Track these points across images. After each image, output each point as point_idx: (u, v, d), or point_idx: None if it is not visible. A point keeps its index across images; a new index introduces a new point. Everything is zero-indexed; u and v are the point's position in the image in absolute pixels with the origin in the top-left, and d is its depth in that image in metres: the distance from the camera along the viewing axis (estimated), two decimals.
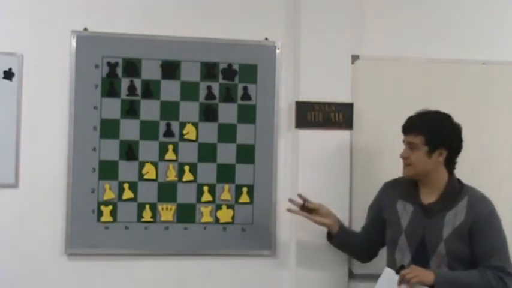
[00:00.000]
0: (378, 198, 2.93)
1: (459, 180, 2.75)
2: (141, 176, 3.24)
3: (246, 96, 3.33)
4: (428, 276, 2.52)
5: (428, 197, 2.71)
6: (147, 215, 3.24)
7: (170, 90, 3.27)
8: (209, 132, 3.29)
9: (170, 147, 3.26)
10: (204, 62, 3.30)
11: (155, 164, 3.25)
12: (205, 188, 3.28)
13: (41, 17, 3.21)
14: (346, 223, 3.29)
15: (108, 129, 3.22)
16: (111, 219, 3.21)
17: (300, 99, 3.28)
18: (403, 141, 2.74)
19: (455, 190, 2.69)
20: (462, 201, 2.67)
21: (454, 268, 2.61)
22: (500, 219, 2.71)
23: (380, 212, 2.87)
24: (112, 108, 3.22)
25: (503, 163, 3.46)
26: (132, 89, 3.24)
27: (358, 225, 3.24)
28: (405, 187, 2.78)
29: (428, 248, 2.63)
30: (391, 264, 2.74)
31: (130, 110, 3.24)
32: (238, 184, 3.31)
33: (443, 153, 2.66)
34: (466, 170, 3.31)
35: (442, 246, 2.60)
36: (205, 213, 3.28)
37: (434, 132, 2.65)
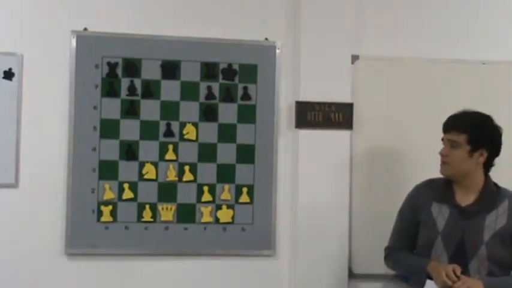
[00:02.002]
0: (411, 201, 2.76)
1: (495, 183, 2.70)
2: (141, 176, 3.24)
3: (246, 96, 3.33)
4: (477, 286, 2.46)
5: (465, 199, 2.62)
6: (147, 215, 3.24)
7: (170, 90, 3.27)
8: (209, 132, 3.29)
9: (170, 147, 3.26)
10: (204, 62, 3.30)
11: (155, 164, 3.25)
12: (205, 188, 3.28)
13: (41, 17, 3.21)
14: (346, 223, 3.30)
15: (108, 129, 3.22)
16: (111, 219, 3.21)
17: (300, 99, 3.28)
18: (442, 139, 2.65)
19: (493, 192, 2.63)
20: (502, 204, 2.61)
21: (493, 272, 2.56)
22: None
23: (414, 215, 2.71)
24: (112, 108, 3.22)
25: (503, 163, 3.45)
26: (132, 89, 3.24)
27: (358, 225, 3.24)
28: (439, 188, 2.68)
29: (467, 250, 2.56)
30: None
31: (130, 110, 3.24)
32: (238, 184, 3.31)
33: (484, 154, 2.60)
34: None
35: (483, 249, 2.54)
36: (205, 213, 3.28)
37: (479, 132, 2.58)
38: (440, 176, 2.67)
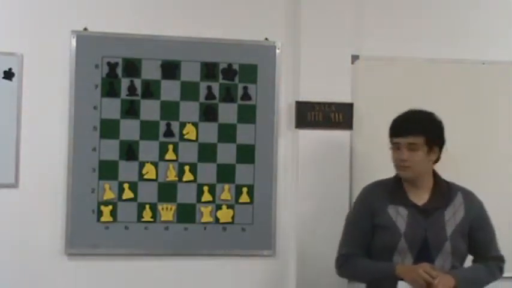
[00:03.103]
0: (365, 206, 2.69)
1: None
2: (141, 176, 3.24)
3: (246, 96, 3.33)
4: (451, 281, 2.49)
5: (419, 198, 2.64)
6: (147, 215, 3.24)
7: (170, 90, 3.27)
8: (209, 132, 3.29)
9: (170, 147, 3.26)
10: (204, 62, 3.30)
11: (155, 164, 3.25)
12: (205, 188, 3.28)
13: (41, 17, 3.21)
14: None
15: (108, 129, 3.22)
16: (111, 219, 3.21)
17: (300, 99, 3.28)
18: (393, 143, 2.61)
19: (445, 188, 2.67)
20: (457, 197, 2.65)
21: (455, 266, 2.60)
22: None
23: (371, 219, 2.66)
24: (112, 108, 3.22)
25: (504, 163, 3.46)
26: (132, 89, 3.24)
27: None
28: (390, 190, 2.66)
29: (432, 248, 2.58)
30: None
31: (130, 110, 3.24)
32: (238, 184, 3.31)
33: (436, 152, 2.63)
34: (466, 169, 3.33)
35: (447, 245, 2.57)
36: (205, 213, 3.28)
37: (433, 131, 2.62)
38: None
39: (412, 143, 2.58)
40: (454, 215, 2.62)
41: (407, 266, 2.55)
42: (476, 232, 2.64)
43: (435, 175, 2.68)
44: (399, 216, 2.62)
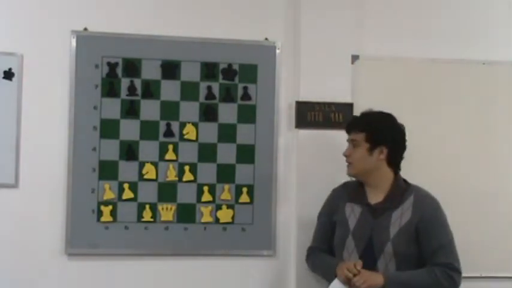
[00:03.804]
0: (327, 204, 2.91)
1: (405, 180, 2.76)
2: (141, 176, 3.24)
3: (246, 96, 3.33)
4: (377, 279, 2.53)
5: (375, 198, 2.71)
6: (147, 215, 3.24)
7: (170, 90, 3.27)
8: (209, 132, 3.29)
9: (170, 147, 3.26)
10: (204, 62, 3.30)
11: (155, 164, 3.25)
12: (205, 188, 3.28)
13: (41, 17, 3.21)
14: None
15: (108, 129, 3.22)
16: (111, 219, 3.21)
17: (300, 99, 3.28)
18: (347, 141, 2.78)
19: (401, 189, 2.70)
20: (408, 200, 2.67)
21: (401, 268, 2.61)
22: (446, 216, 2.71)
23: (331, 216, 2.84)
24: (112, 108, 3.22)
25: (504, 163, 3.46)
26: (132, 89, 3.24)
27: None
28: (352, 189, 2.80)
29: (375, 248, 2.62)
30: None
31: (130, 110, 3.24)
32: (238, 184, 3.31)
33: (384, 151, 2.68)
34: (466, 169, 3.33)
35: (389, 246, 2.60)
36: (205, 213, 3.28)
37: (375, 129, 2.68)
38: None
39: (353, 139, 2.72)
40: (400, 217, 2.64)
41: (343, 262, 2.62)
42: (423, 236, 2.63)
43: (395, 177, 2.72)
44: (352, 214, 2.72)
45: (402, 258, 2.61)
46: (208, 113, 3.30)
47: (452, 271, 2.61)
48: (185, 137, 3.28)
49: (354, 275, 2.53)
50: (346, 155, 2.75)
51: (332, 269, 2.66)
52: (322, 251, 2.87)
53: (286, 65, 3.36)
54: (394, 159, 2.72)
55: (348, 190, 2.83)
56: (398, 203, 2.67)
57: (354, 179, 2.83)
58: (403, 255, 2.61)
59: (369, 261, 2.60)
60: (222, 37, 3.31)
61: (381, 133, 2.68)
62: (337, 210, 2.80)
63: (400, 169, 2.76)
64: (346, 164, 2.77)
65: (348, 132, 2.79)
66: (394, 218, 2.64)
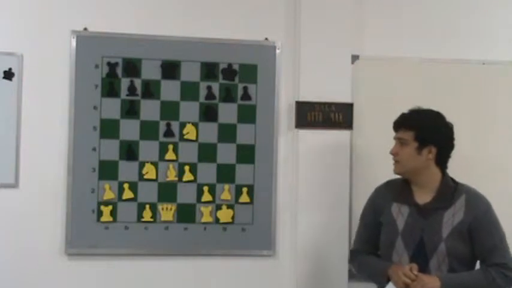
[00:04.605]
0: (371, 204, 2.79)
1: (453, 179, 2.71)
2: (141, 176, 3.24)
3: (246, 96, 3.33)
4: (435, 283, 2.49)
5: (423, 197, 2.65)
6: (147, 215, 3.24)
7: (170, 90, 3.27)
8: (209, 132, 3.29)
9: (170, 147, 3.26)
10: (204, 62, 3.30)
11: (155, 164, 3.25)
12: (205, 188, 3.28)
13: (41, 17, 3.21)
14: (346, 223, 3.30)
15: (108, 129, 3.22)
16: (111, 219, 3.21)
17: (300, 99, 3.28)
18: (394, 138, 2.69)
19: (450, 189, 2.66)
20: (459, 199, 2.64)
21: (454, 268, 2.58)
22: (497, 216, 2.68)
23: (376, 217, 2.74)
24: (112, 108, 3.22)
25: (504, 163, 3.46)
26: (132, 89, 3.24)
27: (357, 225, 3.24)
28: (398, 189, 2.72)
29: (427, 248, 2.58)
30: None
31: (130, 110, 3.24)
32: (238, 184, 3.31)
33: (432, 151, 2.62)
34: (466, 169, 3.32)
35: (442, 246, 2.56)
36: (205, 213, 3.28)
37: (424, 128, 2.62)
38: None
39: (401, 137, 2.64)
40: (453, 217, 2.60)
41: (396, 266, 2.56)
42: (477, 236, 2.60)
43: (443, 176, 2.67)
44: (400, 214, 2.65)
45: (455, 258, 2.58)
46: (208, 113, 3.30)
47: (508, 271, 2.58)
48: (185, 137, 3.28)
49: (412, 280, 2.47)
50: (393, 154, 2.66)
51: (383, 273, 2.59)
52: (367, 253, 2.76)
53: (286, 65, 3.36)
54: (443, 159, 2.66)
55: (393, 189, 2.73)
56: (449, 203, 2.62)
57: (398, 176, 2.73)
58: (456, 255, 2.58)
59: (421, 262, 2.55)
60: (222, 37, 3.31)
61: (430, 132, 2.61)
62: (382, 210, 2.70)
63: (447, 167, 2.69)
64: (393, 161, 2.67)
65: (396, 129, 2.68)
66: (446, 218, 2.60)
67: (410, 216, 2.63)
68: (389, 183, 2.78)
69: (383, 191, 2.77)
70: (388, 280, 2.56)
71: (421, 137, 2.60)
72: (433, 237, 2.58)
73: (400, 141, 2.65)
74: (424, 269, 2.55)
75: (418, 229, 2.60)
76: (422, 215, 2.62)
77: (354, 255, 2.83)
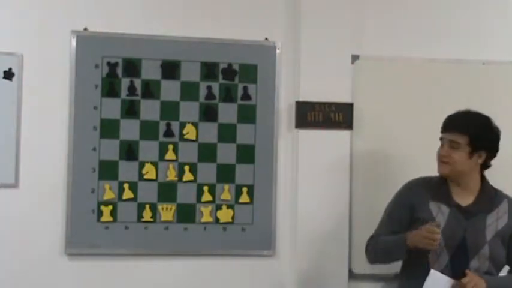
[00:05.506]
0: (404, 200, 2.71)
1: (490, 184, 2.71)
2: (141, 176, 3.24)
3: (246, 96, 3.33)
4: (483, 284, 2.48)
5: (464, 199, 2.63)
6: (147, 215, 3.24)
7: (170, 90, 3.27)
8: (209, 132, 3.29)
9: (170, 147, 3.26)
10: (204, 62, 3.30)
11: (155, 164, 3.25)
12: (205, 188, 3.28)
13: (41, 17, 3.21)
14: (346, 223, 3.30)
15: (108, 129, 3.22)
16: (111, 219, 3.21)
17: (300, 99, 3.28)
18: (441, 139, 2.64)
19: (491, 193, 2.65)
20: (502, 204, 2.63)
21: (491, 272, 2.58)
22: None
23: (410, 213, 2.67)
24: (112, 108, 3.22)
25: (504, 163, 3.45)
26: (132, 89, 3.24)
27: (358, 225, 3.24)
28: (435, 187, 2.66)
29: (469, 250, 2.56)
30: (422, 265, 2.59)
31: (130, 110, 3.24)
32: (238, 184, 3.31)
33: (482, 156, 2.60)
34: None
35: (485, 249, 2.55)
36: (205, 213, 3.28)
37: (480, 134, 2.59)
38: (433, 174, 2.67)
39: (454, 140, 2.58)
40: (496, 221, 2.60)
41: (413, 232, 2.51)
42: None
43: (483, 180, 2.66)
44: (440, 213, 2.61)
45: (495, 261, 2.58)
46: (208, 113, 3.30)
47: None
48: (185, 137, 3.28)
49: (437, 233, 2.43)
50: (443, 155, 2.60)
51: (400, 243, 2.55)
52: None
53: (286, 65, 3.36)
54: (487, 164, 2.66)
55: (430, 187, 2.67)
56: (491, 207, 2.62)
57: (434, 175, 2.69)
58: (496, 258, 2.58)
59: (460, 262, 2.54)
60: (222, 37, 3.31)
61: (484, 139, 2.59)
62: (418, 206, 2.64)
63: (484, 171, 2.68)
64: (439, 161, 2.63)
65: (448, 131, 2.62)
66: (489, 221, 2.59)
67: (451, 215, 2.60)
68: (425, 181, 2.72)
69: (419, 188, 2.70)
70: (408, 251, 2.52)
71: (474, 143, 2.57)
72: (477, 238, 2.56)
73: (451, 144, 2.59)
74: (463, 269, 2.51)
75: (460, 229, 2.57)
76: (464, 215, 2.59)
77: (374, 239, 2.75)
